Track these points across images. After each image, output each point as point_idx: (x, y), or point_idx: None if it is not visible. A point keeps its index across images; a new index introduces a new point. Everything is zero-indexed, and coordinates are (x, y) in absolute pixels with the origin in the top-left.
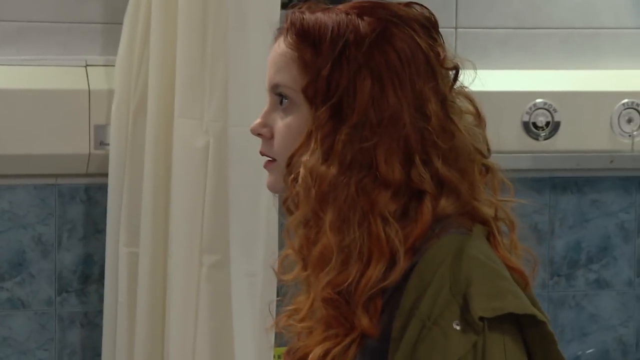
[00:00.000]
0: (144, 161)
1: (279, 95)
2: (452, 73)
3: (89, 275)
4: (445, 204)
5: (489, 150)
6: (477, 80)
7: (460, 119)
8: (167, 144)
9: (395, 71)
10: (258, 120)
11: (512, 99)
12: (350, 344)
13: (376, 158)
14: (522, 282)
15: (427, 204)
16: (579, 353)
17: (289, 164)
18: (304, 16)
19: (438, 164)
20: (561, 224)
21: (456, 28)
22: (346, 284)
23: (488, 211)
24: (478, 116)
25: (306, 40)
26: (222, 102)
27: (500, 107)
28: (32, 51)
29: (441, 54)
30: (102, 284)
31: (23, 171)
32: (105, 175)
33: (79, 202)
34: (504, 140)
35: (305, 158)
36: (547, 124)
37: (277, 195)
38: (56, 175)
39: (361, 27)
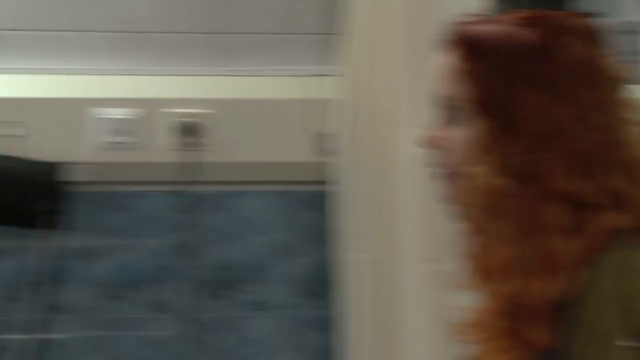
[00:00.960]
0: (367, 169)
1: (450, 107)
2: (618, 83)
3: (327, 280)
4: (619, 218)
5: None
6: None
7: (629, 130)
8: (389, 152)
9: (565, 82)
10: (432, 132)
11: None
12: (523, 357)
13: (547, 170)
14: None
15: (600, 218)
16: None
17: (461, 175)
18: (473, 28)
19: (611, 176)
20: None
21: None
22: (520, 296)
23: None
24: None
25: (476, 52)
26: None
27: None
28: (259, 62)
29: (607, 63)
30: (338, 290)
31: (259, 178)
32: (335, 183)
33: (314, 209)
34: None
35: (477, 170)
36: None
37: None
38: (291, 182)
39: (530, 38)
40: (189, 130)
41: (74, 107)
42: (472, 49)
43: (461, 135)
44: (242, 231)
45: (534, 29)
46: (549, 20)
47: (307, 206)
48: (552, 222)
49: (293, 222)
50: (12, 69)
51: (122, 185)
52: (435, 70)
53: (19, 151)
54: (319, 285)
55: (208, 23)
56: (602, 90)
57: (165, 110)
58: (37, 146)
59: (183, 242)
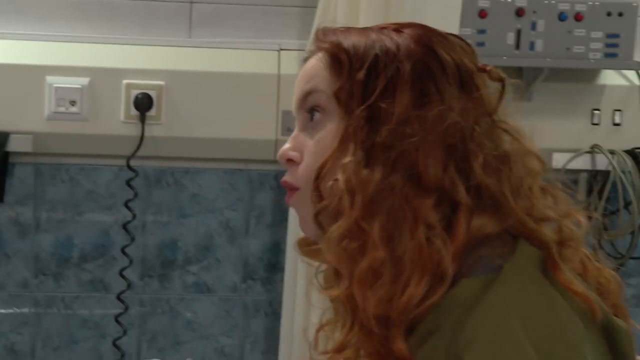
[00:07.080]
0: None
1: (309, 111)
2: (499, 87)
3: (275, 263)
4: (489, 222)
5: (543, 164)
6: None
7: (505, 134)
8: None
9: (436, 76)
10: (287, 145)
11: None
12: None
13: (415, 158)
14: (588, 310)
15: (473, 220)
16: None
17: (319, 174)
18: (336, 31)
19: (486, 177)
20: None
21: None
22: (396, 302)
23: (546, 232)
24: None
25: (339, 48)
26: None
27: None
28: (227, 34)
29: (484, 68)
30: (287, 273)
31: (213, 155)
32: None
33: (268, 189)
34: None
35: (343, 161)
36: None
37: None
38: (246, 161)
39: (398, 36)
40: (143, 103)
41: (24, 75)
42: (332, 46)
43: (316, 138)
44: (195, 210)
45: (407, 30)
46: (421, 26)
47: (260, 186)
48: (425, 220)
49: (249, 202)
50: None
51: (69, 158)
52: (297, 78)
53: None
54: (267, 269)
55: None
56: (470, 91)
57: (124, 81)
58: None
59: (130, 219)
